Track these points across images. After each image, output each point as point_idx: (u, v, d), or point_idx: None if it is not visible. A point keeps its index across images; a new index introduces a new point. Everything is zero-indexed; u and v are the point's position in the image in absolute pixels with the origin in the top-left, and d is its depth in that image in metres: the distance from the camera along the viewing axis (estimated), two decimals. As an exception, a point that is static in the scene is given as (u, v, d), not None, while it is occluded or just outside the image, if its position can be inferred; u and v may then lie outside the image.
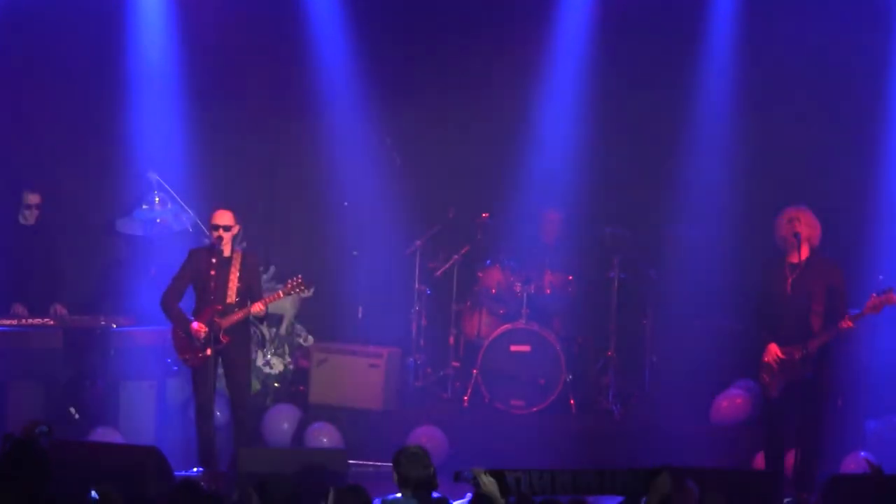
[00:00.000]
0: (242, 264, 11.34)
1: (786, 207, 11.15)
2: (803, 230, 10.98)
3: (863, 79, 13.49)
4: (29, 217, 12.98)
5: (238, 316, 11.22)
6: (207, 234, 11.76)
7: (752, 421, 12.88)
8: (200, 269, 11.30)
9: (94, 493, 7.55)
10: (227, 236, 11.31)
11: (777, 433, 11.06)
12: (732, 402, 13.00)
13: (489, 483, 7.53)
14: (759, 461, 11.98)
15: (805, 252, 11.00)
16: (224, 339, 11.18)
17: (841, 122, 13.60)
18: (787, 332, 10.91)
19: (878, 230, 13.24)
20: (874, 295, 10.79)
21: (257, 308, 11.22)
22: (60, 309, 12.77)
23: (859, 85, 13.49)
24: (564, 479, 7.61)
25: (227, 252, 11.36)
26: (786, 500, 9.85)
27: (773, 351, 10.90)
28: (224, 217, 11.33)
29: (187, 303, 11.52)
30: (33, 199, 12.94)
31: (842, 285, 10.97)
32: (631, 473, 7.66)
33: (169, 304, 11.40)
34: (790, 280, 10.95)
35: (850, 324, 10.76)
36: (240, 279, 11.30)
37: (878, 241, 13.18)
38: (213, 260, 11.27)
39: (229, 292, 11.26)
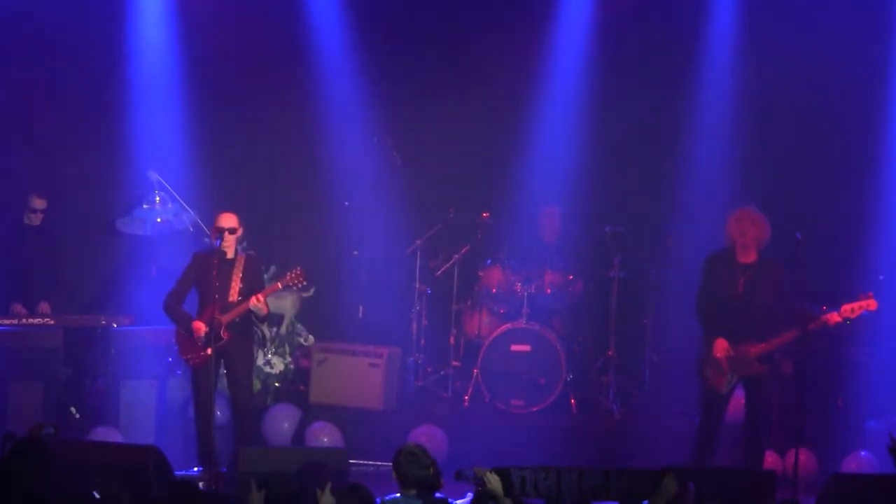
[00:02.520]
0: (245, 267, 11.35)
1: (739, 208, 11.20)
2: (758, 232, 11.05)
3: (863, 78, 13.49)
4: (34, 220, 13.02)
5: (238, 310, 11.21)
6: (208, 233, 11.75)
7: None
8: (203, 272, 11.29)
9: (96, 494, 7.55)
10: (231, 239, 11.32)
11: (716, 427, 11.15)
12: (737, 403, 13.00)
13: (494, 481, 7.51)
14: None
15: (754, 254, 11.06)
16: (225, 336, 11.17)
17: (841, 122, 13.61)
18: (739, 331, 10.97)
19: (878, 230, 13.25)
20: (845, 305, 10.84)
21: (254, 301, 11.19)
22: (44, 307, 12.77)
23: (860, 84, 13.49)
24: (570, 478, 7.60)
25: (230, 254, 11.36)
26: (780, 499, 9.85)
27: (723, 347, 10.95)
28: (229, 220, 11.34)
29: (190, 305, 11.51)
30: (40, 203, 12.98)
31: (785, 283, 11.06)
32: (637, 474, 7.64)
33: (172, 306, 11.40)
34: (742, 280, 11.01)
35: (839, 318, 10.81)
36: (242, 280, 11.30)
37: (879, 242, 13.18)
38: (216, 261, 11.26)
39: (231, 292, 11.26)
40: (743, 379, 11.07)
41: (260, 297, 11.21)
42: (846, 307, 10.80)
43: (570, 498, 7.59)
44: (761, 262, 11.06)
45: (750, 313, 10.97)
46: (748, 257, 11.05)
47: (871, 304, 10.81)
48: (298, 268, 11.42)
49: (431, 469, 7.85)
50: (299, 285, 11.55)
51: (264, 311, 11.37)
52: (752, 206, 11.20)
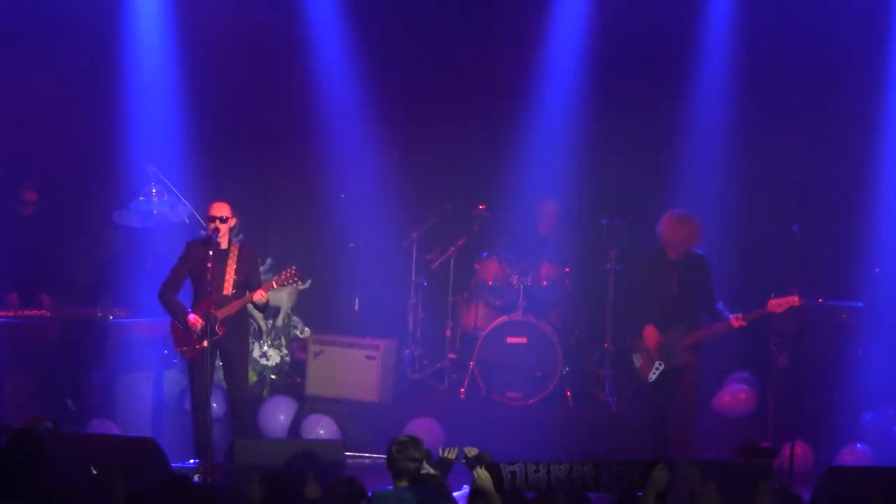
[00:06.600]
0: (240, 256, 11.31)
1: (679, 213, 11.41)
2: (693, 234, 11.31)
3: (860, 76, 13.49)
4: (25, 212, 13.04)
5: (236, 305, 11.19)
6: (204, 225, 11.74)
7: (751, 414, 12.92)
8: (197, 261, 11.26)
9: (93, 470, 7.56)
10: (223, 228, 11.26)
11: (662, 415, 11.31)
12: (736, 397, 13.02)
13: (484, 477, 7.49)
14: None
15: (683, 251, 11.33)
16: (220, 331, 11.15)
17: (838, 119, 13.60)
18: (669, 322, 11.20)
19: (874, 223, 13.25)
20: (773, 297, 11.11)
21: (259, 296, 11.18)
22: (46, 299, 12.78)
23: (857, 82, 13.49)
24: (560, 472, 7.57)
25: (224, 244, 11.32)
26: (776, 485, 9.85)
27: (653, 334, 11.15)
28: (221, 209, 11.30)
29: (185, 295, 11.50)
30: (30, 196, 13.00)
31: (711, 279, 11.36)
32: (628, 465, 7.61)
33: (167, 296, 11.37)
34: (675, 276, 11.26)
35: (744, 323, 11.13)
36: (237, 271, 11.27)
37: (875, 235, 13.19)
38: (210, 252, 11.22)
39: (226, 284, 11.24)
40: (669, 370, 11.18)
41: (262, 292, 11.18)
42: (773, 302, 11.09)
43: (562, 490, 7.57)
44: (690, 258, 11.32)
45: (681, 307, 11.21)
46: (678, 254, 11.31)
47: (795, 300, 11.03)
48: (294, 266, 11.40)
49: (424, 461, 7.84)
50: (294, 283, 11.54)
51: (264, 300, 11.34)
52: (683, 209, 11.48)
